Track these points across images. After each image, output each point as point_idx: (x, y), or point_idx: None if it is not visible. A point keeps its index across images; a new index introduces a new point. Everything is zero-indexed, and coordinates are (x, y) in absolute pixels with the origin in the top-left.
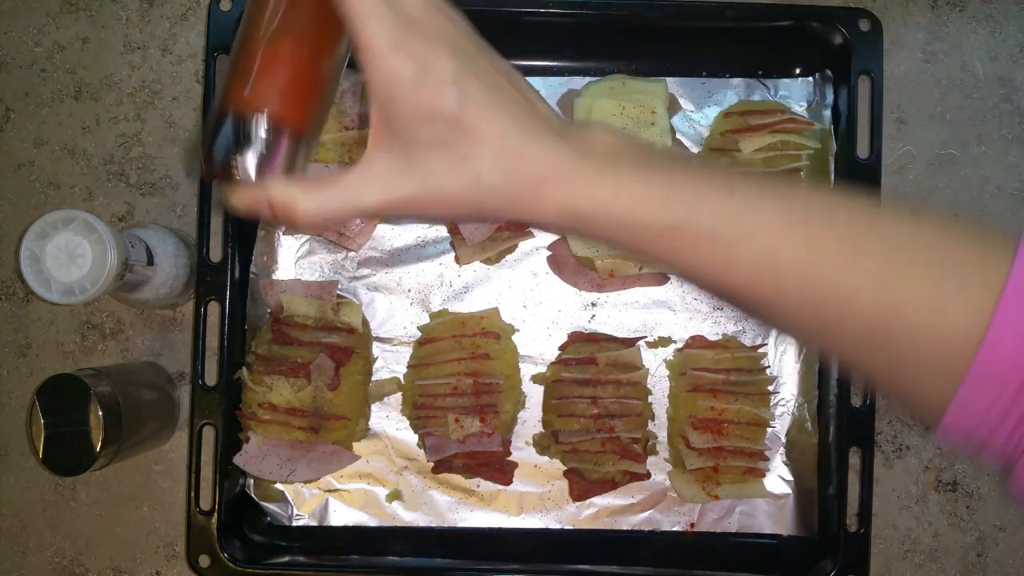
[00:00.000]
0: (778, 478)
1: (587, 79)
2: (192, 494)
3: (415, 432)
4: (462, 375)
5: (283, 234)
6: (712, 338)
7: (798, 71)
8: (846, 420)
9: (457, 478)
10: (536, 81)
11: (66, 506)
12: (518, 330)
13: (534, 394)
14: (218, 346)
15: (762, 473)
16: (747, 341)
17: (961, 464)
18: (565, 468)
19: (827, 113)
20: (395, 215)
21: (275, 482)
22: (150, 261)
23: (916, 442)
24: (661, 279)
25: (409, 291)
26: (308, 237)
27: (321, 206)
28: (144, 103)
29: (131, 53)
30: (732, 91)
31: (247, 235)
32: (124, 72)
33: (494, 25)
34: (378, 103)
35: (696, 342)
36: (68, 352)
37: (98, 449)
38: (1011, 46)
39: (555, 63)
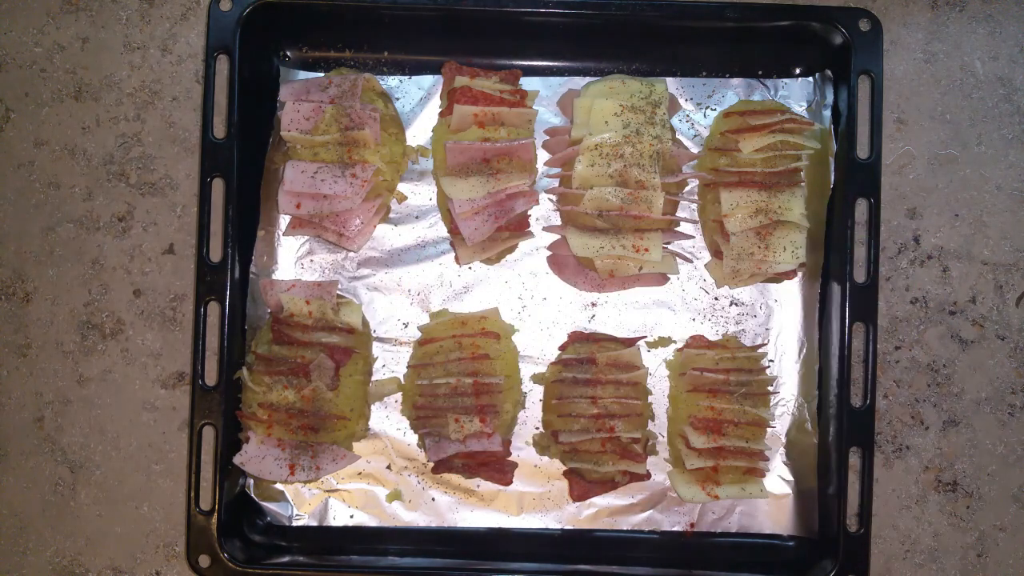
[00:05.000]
0: (778, 478)
1: (587, 79)
2: (192, 494)
3: (415, 432)
4: (462, 375)
5: (283, 235)
6: (712, 338)
7: (798, 71)
8: (846, 420)
9: (457, 478)
10: (536, 81)
11: (66, 506)
12: (518, 330)
13: (534, 394)
14: (218, 346)
15: (762, 473)
16: (747, 341)
17: (961, 464)
18: (565, 468)
19: (827, 113)
20: None
21: (275, 482)
22: None
23: (916, 442)
24: (661, 279)
25: (409, 291)
26: (308, 237)
27: None
28: (144, 103)
29: (131, 53)
30: (732, 91)
31: (247, 235)
32: (124, 72)
33: (494, 25)
34: None
35: (696, 342)
36: (68, 352)
37: None
38: (1011, 46)
39: (555, 63)
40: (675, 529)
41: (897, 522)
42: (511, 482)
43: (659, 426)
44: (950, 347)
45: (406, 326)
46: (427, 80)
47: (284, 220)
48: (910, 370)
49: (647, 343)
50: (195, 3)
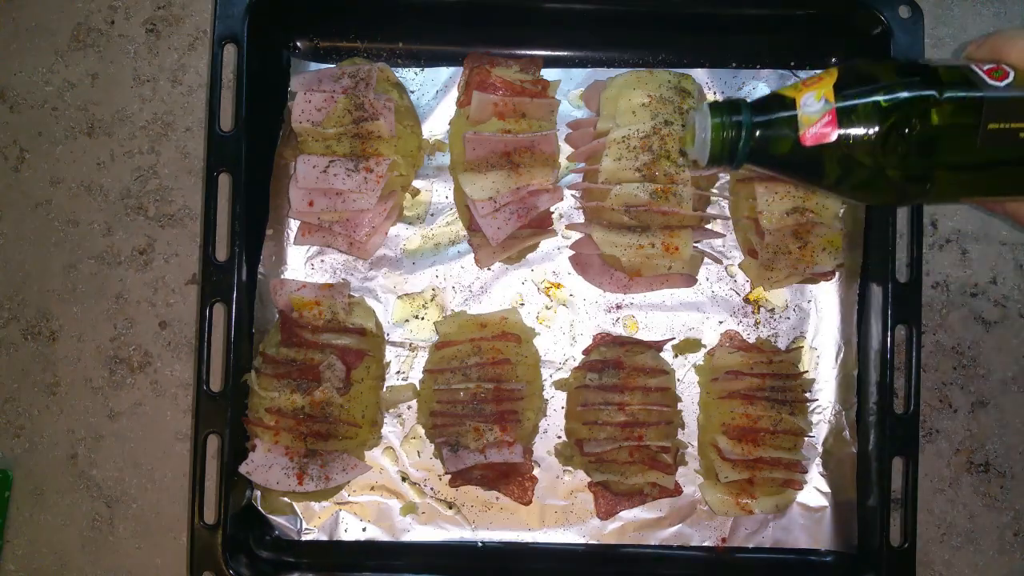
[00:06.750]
0: (814, 490)
1: (610, 70)
2: (195, 507)
3: (431, 441)
4: (482, 381)
5: (292, 245)
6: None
7: (833, 61)
8: (888, 428)
9: (475, 490)
10: (558, 72)
11: (104, 541)
12: (539, 333)
13: (555, 401)
14: (223, 350)
15: (800, 485)
16: (781, 345)
17: (992, 445)
18: (590, 480)
19: None
20: None
21: (283, 493)
22: None
23: (946, 425)
24: (689, 280)
25: (424, 292)
26: None
27: None
28: (158, 135)
29: (141, 86)
30: (763, 83)
31: (255, 234)
32: (135, 106)
33: (514, 14)
34: None
35: (730, 338)
36: (97, 388)
37: None
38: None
39: (579, 53)
40: (705, 544)
41: (932, 506)
42: (531, 501)
43: (689, 435)
44: (974, 329)
45: (422, 329)
46: (443, 72)
47: (293, 224)
48: (935, 354)
49: (675, 347)
50: (202, 33)
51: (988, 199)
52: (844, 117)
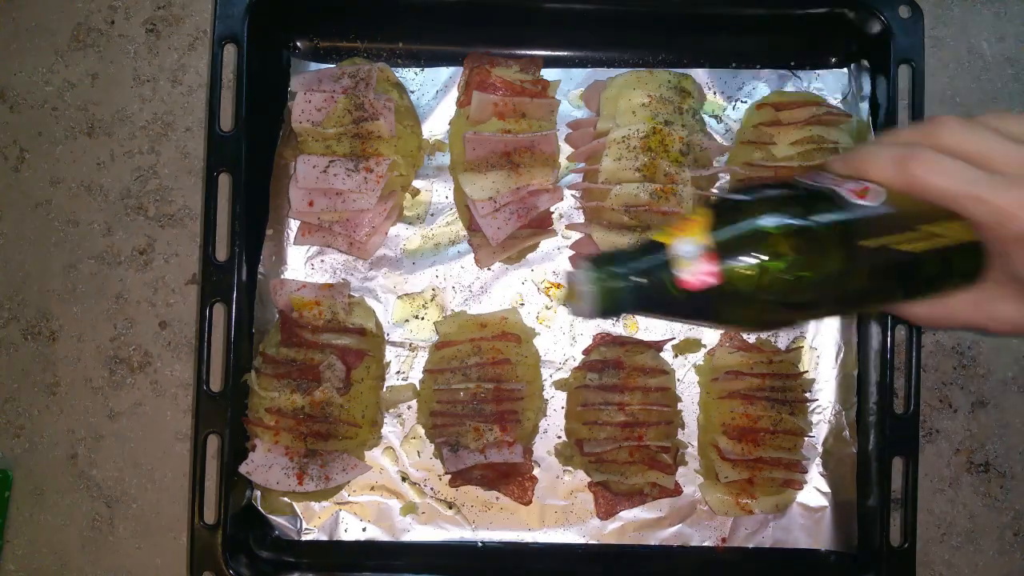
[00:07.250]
0: (814, 490)
1: (610, 70)
2: (195, 507)
3: (431, 441)
4: (481, 381)
5: (292, 245)
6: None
7: (833, 61)
8: (888, 428)
9: (475, 490)
10: (558, 72)
11: (105, 541)
12: (539, 334)
13: (555, 401)
14: (223, 350)
15: (800, 485)
16: (781, 346)
17: (992, 445)
18: (590, 480)
19: (864, 105)
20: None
21: (283, 493)
22: None
23: (946, 425)
24: None
25: (424, 292)
26: None
27: None
28: (158, 135)
29: (141, 86)
30: (763, 83)
31: (255, 234)
32: (135, 106)
33: (515, 14)
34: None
35: (730, 338)
36: (97, 388)
37: None
38: (1017, 26)
39: (579, 53)
40: (705, 544)
41: (932, 506)
42: (531, 501)
43: (689, 435)
44: None
45: (422, 329)
46: (443, 72)
47: (293, 224)
48: (935, 354)
49: (675, 347)
50: (202, 33)
51: (876, 308)
52: (721, 256)
